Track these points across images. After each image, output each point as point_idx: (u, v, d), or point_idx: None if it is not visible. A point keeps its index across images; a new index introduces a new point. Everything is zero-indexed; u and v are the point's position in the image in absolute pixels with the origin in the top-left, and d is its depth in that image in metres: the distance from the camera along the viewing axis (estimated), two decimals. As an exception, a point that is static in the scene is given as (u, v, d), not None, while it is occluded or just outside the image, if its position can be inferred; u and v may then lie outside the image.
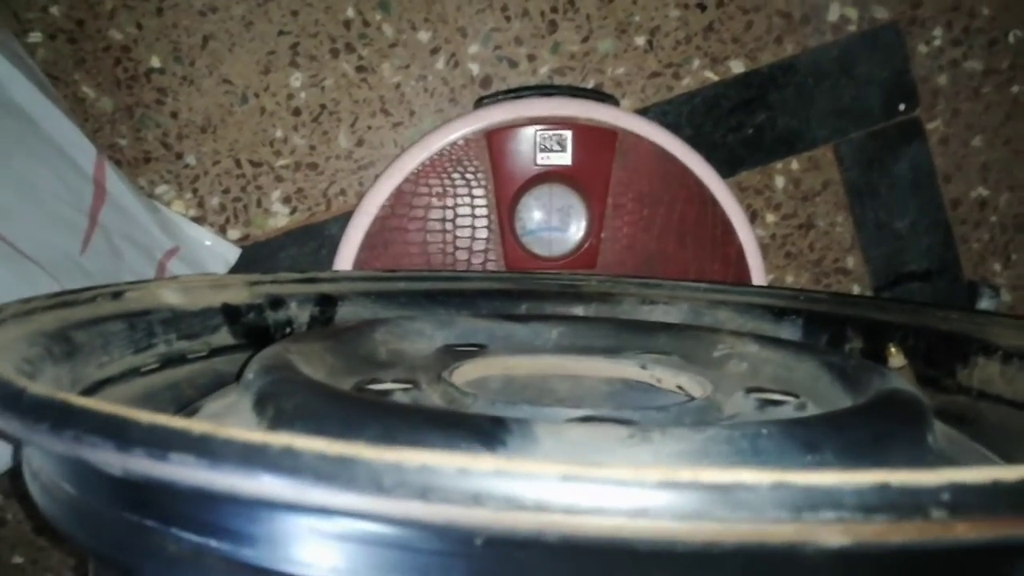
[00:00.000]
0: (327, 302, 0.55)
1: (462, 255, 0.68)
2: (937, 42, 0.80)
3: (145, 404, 0.37)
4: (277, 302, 0.52)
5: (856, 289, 0.83)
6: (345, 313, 0.55)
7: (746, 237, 0.69)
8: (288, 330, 0.52)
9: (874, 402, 0.27)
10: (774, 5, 0.77)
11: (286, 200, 0.77)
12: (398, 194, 0.67)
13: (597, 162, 0.67)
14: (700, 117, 0.78)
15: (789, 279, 0.82)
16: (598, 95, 0.69)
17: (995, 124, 0.81)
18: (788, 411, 0.31)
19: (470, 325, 0.49)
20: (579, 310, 0.60)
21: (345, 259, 0.68)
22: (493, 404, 0.30)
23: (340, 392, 0.26)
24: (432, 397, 0.32)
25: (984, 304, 0.76)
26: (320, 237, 0.78)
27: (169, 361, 0.41)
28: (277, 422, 0.25)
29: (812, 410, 0.31)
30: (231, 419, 0.27)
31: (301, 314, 0.53)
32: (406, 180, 0.67)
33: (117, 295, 0.40)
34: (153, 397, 0.38)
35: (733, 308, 0.58)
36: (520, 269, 0.68)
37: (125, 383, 0.38)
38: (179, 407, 0.38)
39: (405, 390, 0.31)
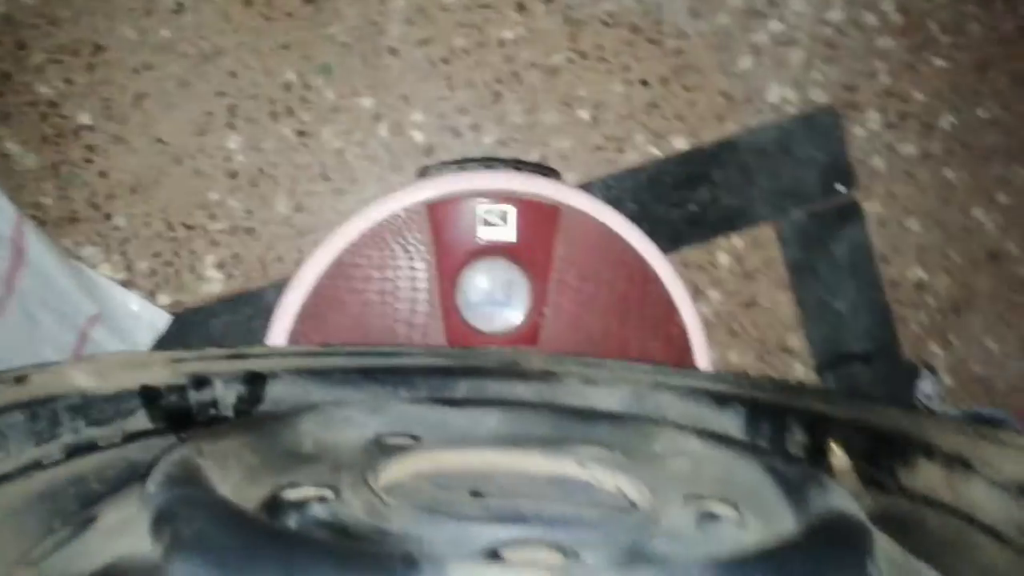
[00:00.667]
0: (256, 380, 0.53)
1: (402, 329, 0.66)
2: (873, 125, 0.81)
3: (44, 504, 0.34)
4: (201, 381, 0.50)
5: (799, 369, 0.83)
6: (275, 392, 0.53)
7: (689, 316, 0.69)
8: (212, 411, 0.50)
9: (816, 532, 0.26)
10: (716, 85, 0.78)
11: (220, 265, 0.74)
12: (337, 265, 0.65)
13: (540, 238, 0.66)
14: (643, 192, 0.78)
15: (733, 358, 0.82)
16: (541, 169, 0.68)
17: (930, 207, 0.83)
18: (728, 529, 0.29)
19: (403, 412, 0.47)
20: (521, 389, 0.58)
21: (279, 332, 0.65)
22: (416, 519, 0.28)
23: (244, 518, 0.24)
24: (354, 506, 0.30)
25: (924, 387, 0.77)
26: (255, 305, 0.75)
27: (77, 450, 0.39)
28: (173, 550, 0.22)
29: (752, 528, 0.30)
30: (126, 540, 0.25)
31: (227, 394, 0.51)
32: (345, 250, 0.65)
33: (20, 379, 0.37)
34: (54, 495, 0.35)
35: (676, 393, 0.57)
36: (461, 344, 0.66)
37: (24, 479, 0.35)
38: (84, 503, 0.35)
39: (323, 499, 0.29)
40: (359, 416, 0.45)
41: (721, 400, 0.54)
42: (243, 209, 0.74)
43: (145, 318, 0.73)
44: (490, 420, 0.48)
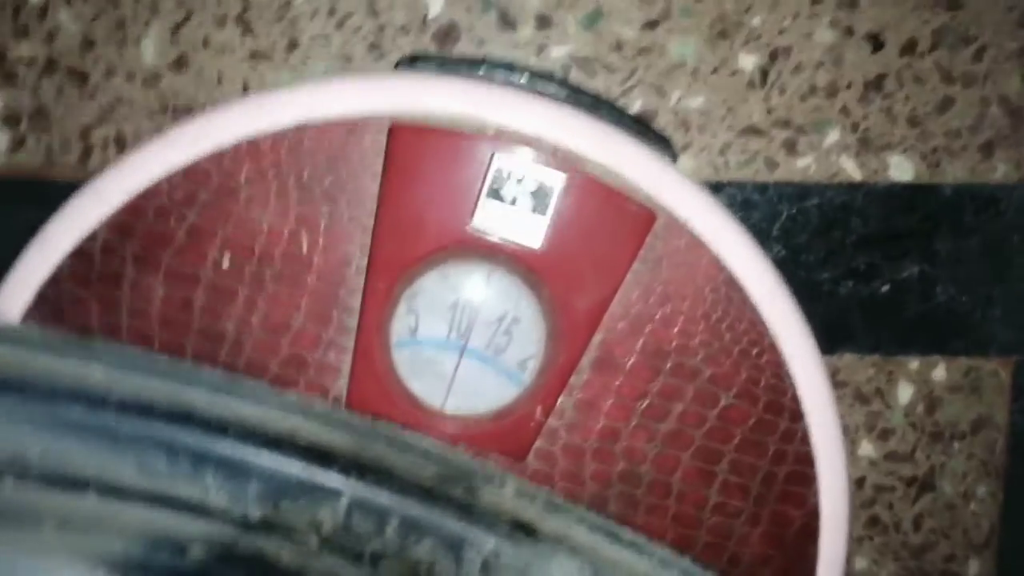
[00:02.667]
0: None
1: (262, 348, 0.41)
2: None
3: None
4: None
5: (971, 622, 0.58)
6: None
7: (834, 495, 0.45)
8: None
9: None
10: (1002, 80, 0.55)
11: (10, 120, 0.53)
12: (183, 180, 0.42)
13: (600, 258, 0.43)
14: (807, 234, 0.56)
15: (860, 565, 0.59)
16: (642, 129, 0.44)
17: None
18: None
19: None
20: (461, 550, 0.35)
21: (30, 276, 0.43)
22: None
23: None
24: None
25: None
26: (46, 203, 0.52)
27: None
28: None
29: None
30: None
31: None
32: (209, 159, 0.42)
33: None
34: None
35: None
36: (373, 413, 0.42)
37: None
38: None
39: None
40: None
41: None
42: (80, 33, 0.52)
43: None
44: None
